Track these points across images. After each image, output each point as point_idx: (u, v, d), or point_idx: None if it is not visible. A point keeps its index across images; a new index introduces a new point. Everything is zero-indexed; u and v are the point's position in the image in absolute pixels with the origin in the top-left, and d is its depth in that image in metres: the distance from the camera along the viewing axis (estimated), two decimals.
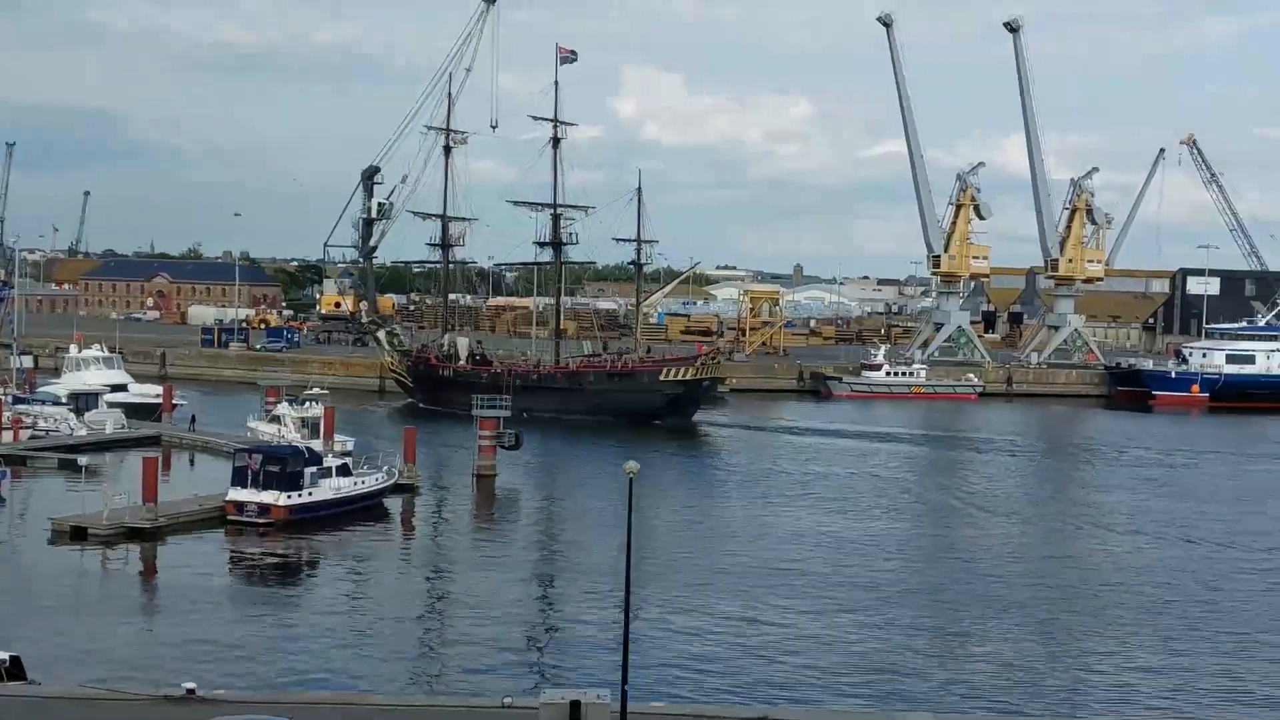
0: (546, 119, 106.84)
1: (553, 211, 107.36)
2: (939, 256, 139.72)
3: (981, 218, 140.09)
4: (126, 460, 70.13)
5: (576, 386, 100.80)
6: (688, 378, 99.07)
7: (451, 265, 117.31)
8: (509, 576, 47.63)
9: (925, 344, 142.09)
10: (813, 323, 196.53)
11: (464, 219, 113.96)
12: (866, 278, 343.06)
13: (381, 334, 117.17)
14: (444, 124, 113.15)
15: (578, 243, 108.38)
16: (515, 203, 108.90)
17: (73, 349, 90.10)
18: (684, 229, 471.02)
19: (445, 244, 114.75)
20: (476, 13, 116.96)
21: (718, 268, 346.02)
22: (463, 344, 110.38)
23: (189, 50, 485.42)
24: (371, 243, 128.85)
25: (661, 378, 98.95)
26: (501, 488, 66.93)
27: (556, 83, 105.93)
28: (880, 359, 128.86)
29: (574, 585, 46.23)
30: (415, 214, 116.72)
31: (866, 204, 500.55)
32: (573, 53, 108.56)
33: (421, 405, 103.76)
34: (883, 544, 55.20)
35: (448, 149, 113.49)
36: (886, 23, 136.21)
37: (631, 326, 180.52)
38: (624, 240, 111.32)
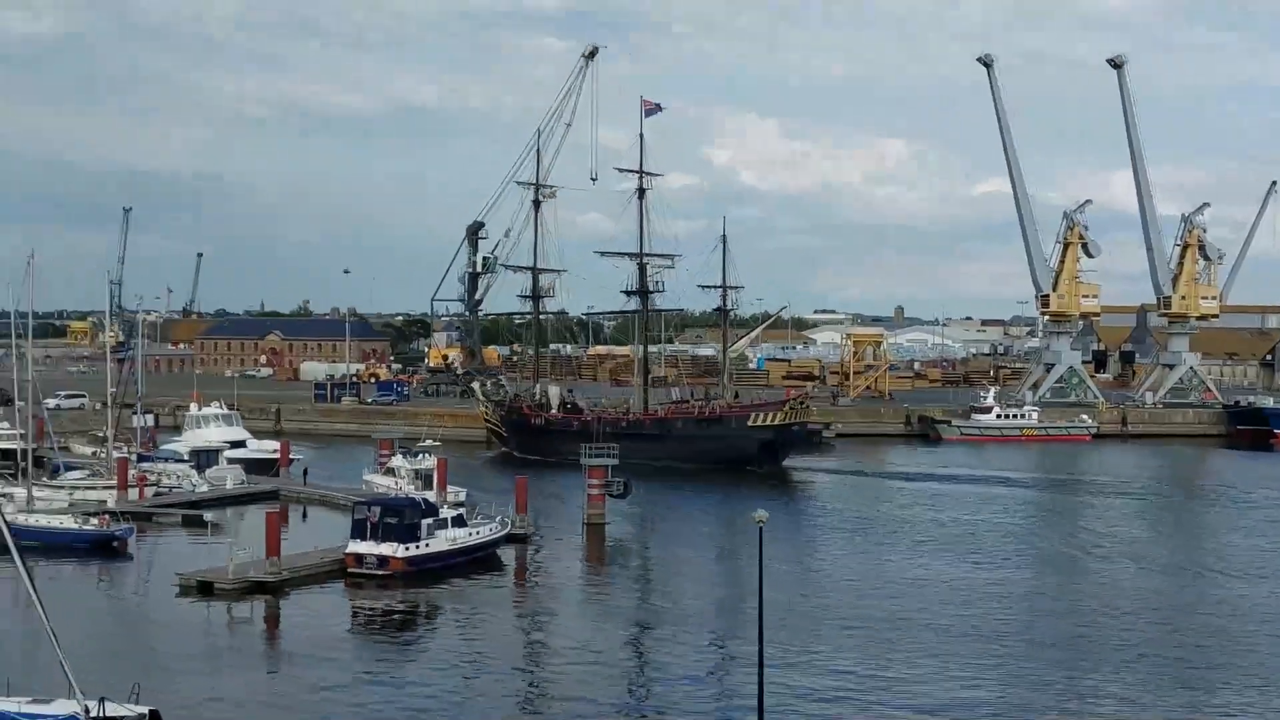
0: (633, 170, 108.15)
1: (638, 261, 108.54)
2: (1048, 296, 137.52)
3: (1090, 255, 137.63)
4: (247, 515, 71.92)
5: (665, 433, 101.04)
6: (777, 422, 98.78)
7: (545, 316, 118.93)
8: (625, 627, 47.54)
9: (1036, 385, 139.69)
10: (916, 365, 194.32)
11: (555, 270, 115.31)
12: (969, 319, 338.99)
13: (476, 385, 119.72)
14: (533, 179, 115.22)
15: (664, 290, 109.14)
16: (603, 254, 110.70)
17: (193, 407, 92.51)
18: (781, 274, 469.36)
19: (536, 295, 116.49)
20: (576, 68, 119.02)
21: (815, 311, 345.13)
22: (554, 393, 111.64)
23: (295, 114, 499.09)
24: (477, 296, 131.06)
25: (750, 423, 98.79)
26: (612, 536, 66.99)
27: (641, 135, 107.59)
28: (990, 401, 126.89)
29: (689, 636, 45.74)
30: (507, 267, 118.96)
31: (966, 245, 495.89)
32: (658, 105, 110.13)
33: (515, 454, 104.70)
34: (1006, 592, 54.04)
35: (537, 203, 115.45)
36: (987, 63, 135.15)
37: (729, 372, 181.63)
38: (708, 287, 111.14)
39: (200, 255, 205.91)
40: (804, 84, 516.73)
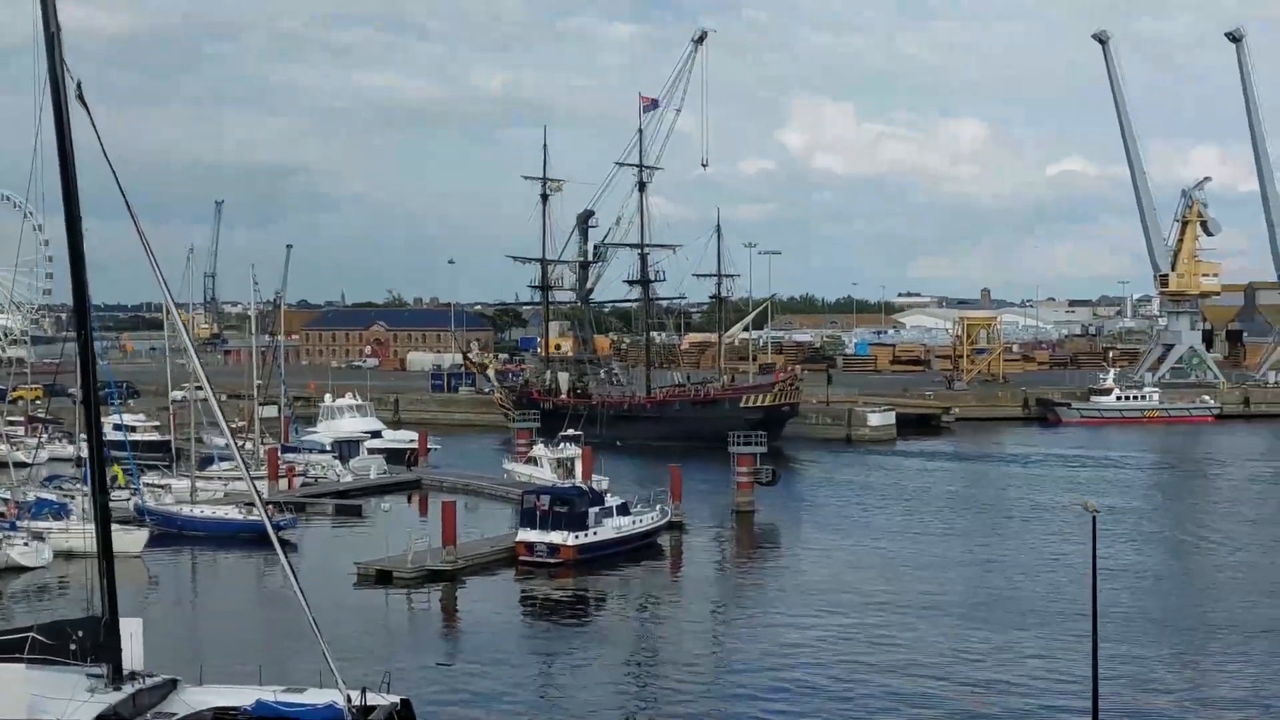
0: (632, 164, 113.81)
1: (640, 251, 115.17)
2: (1166, 275, 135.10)
3: (1210, 234, 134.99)
4: (391, 504, 73.12)
5: (662, 415, 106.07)
6: (768, 403, 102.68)
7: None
8: (789, 614, 47.22)
9: (1154, 366, 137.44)
10: (1014, 348, 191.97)
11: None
12: (1053, 299, 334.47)
13: (490, 371, 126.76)
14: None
15: (665, 279, 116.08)
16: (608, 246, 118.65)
17: (327, 398, 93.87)
18: (860, 258, 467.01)
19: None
20: (686, 52, 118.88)
21: (900, 295, 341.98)
22: (563, 378, 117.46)
23: (377, 107, 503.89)
24: (588, 285, 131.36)
25: (743, 404, 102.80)
26: (761, 524, 67.12)
27: (641, 130, 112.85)
28: (1110, 383, 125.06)
29: (850, 622, 45.50)
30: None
31: (1046, 225, 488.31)
32: (655, 101, 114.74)
33: None
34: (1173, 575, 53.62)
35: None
36: (1103, 40, 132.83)
37: (831, 356, 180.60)
38: (704, 275, 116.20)
39: (290, 247, 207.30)
40: (879, 66, 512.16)
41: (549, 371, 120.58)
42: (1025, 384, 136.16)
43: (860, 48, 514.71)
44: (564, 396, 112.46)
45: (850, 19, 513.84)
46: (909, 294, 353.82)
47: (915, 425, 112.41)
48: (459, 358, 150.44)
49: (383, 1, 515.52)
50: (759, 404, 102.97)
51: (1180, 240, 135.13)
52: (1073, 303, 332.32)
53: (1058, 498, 74.98)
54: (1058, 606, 47.09)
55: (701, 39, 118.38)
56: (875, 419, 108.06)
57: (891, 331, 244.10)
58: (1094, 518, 25.09)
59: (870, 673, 38.93)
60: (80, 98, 27.26)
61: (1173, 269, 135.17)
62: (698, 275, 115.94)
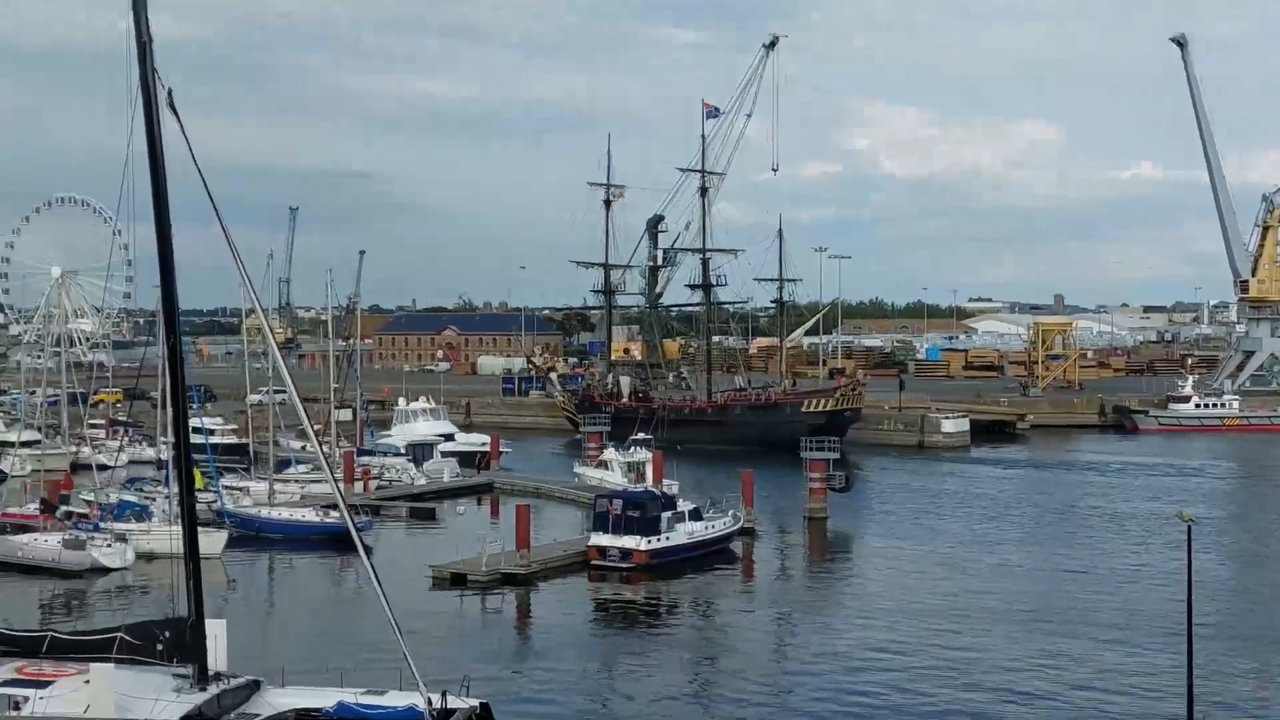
0: (695, 170, 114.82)
1: (702, 256, 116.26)
2: (1246, 281, 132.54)
3: None
4: (463, 507, 73.82)
5: (723, 419, 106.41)
6: (829, 408, 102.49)
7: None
8: (862, 622, 46.81)
9: (1233, 373, 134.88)
10: (1089, 354, 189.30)
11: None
12: (1126, 305, 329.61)
13: (553, 375, 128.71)
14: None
15: (726, 284, 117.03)
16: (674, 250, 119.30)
17: (400, 402, 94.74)
18: (928, 262, 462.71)
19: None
20: (758, 58, 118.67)
21: (970, 300, 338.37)
22: (625, 383, 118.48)
23: (446, 114, 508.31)
24: (657, 289, 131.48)
25: (804, 409, 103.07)
26: (833, 530, 66.71)
27: (703, 135, 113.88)
28: (1189, 390, 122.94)
29: (925, 631, 45.02)
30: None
31: (1119, 229, 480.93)
32: (716, 108, 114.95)
33: None
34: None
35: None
36: (1181, 43, 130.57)
37: (902, 362, 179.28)
38: (765, 280, 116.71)
39: (362, 253, 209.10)
40: (943, 69, 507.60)
41: (611, 375, 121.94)
42: (1101, 391, 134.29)
43: (926, 50, 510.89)
44: (625, 400, 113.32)
45: (915, 21, 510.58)
46: (979, 299, 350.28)
47: (989, 432, 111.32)
48: (539, 362, 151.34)
49: (452, 10, 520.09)
50: (821, 409, 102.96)
51: (1261, 245, 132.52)
52: (1147, 308, 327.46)
53: (1138, 506, 73.94)
54: (1141, 618, 46.40)
55: (773, 44, 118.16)
56: (949, 425, 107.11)
57: (963, 337, 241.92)
58: (1189, 528, 24.46)
59: (945, 683, 38.49)
60: (171, 105, 27.78)
61: (1253, 274, 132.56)
62: (759, 280, 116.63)
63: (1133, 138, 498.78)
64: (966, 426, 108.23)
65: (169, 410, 66.91)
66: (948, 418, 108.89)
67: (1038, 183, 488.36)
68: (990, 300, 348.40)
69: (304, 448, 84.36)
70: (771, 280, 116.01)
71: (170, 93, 27.94)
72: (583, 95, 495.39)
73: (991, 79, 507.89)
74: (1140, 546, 61.79)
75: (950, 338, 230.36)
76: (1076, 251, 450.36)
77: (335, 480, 37.33)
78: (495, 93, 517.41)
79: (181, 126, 27.82)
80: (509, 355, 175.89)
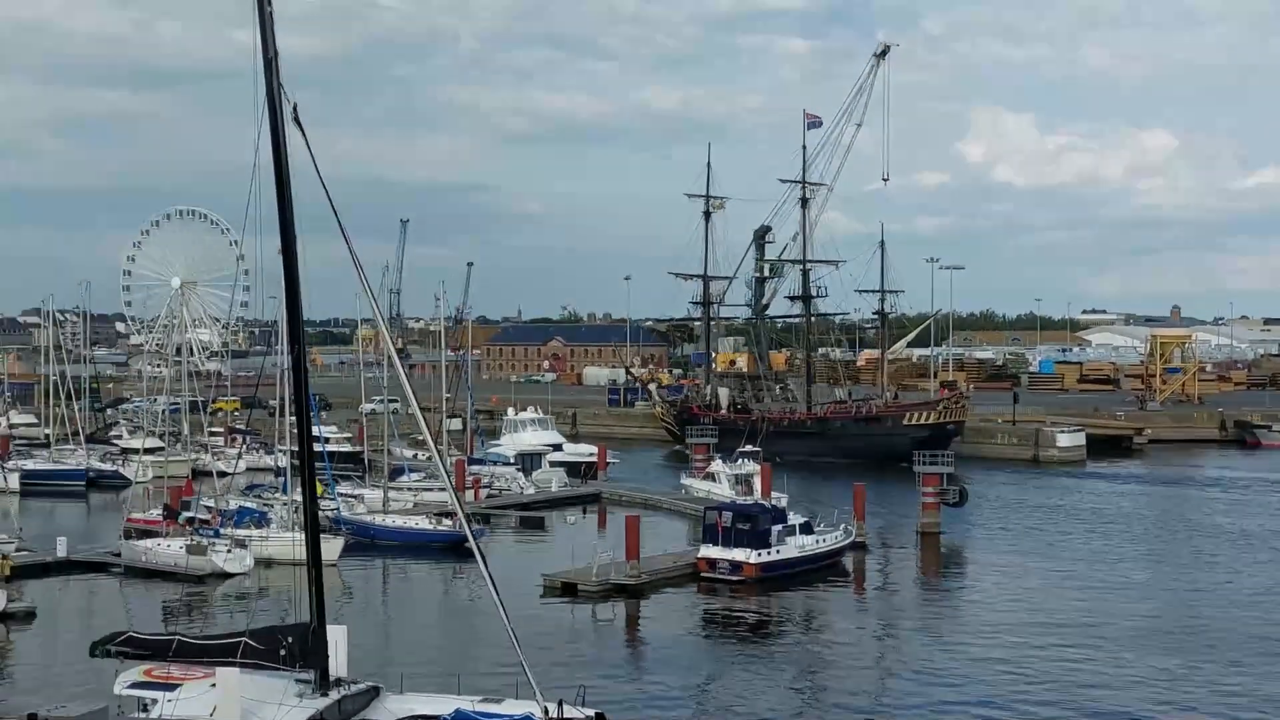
0: (795, 180, 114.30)
1: (802, 268, 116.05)
2: None
3: None
4: (574, 517, 74.10)
5: (824, 431, 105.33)
6: (932, 421, 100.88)
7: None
8: (977, 640, 45.77)
9: None
10: (1208, 367, 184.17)
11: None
12: (1245, 317, 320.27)
13: (652, 387, 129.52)
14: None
15: (827, 295, 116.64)
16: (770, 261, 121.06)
17: (510, 411, 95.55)
18: (1041, 272, 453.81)
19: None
20: (868, 67, 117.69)
21: (1084, 312, 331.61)
22: (723, 394, 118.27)
23: (552, 126, 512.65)
24: (764, 300, 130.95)
25: (906, 422, 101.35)
26: (947, 546, 65.63)
27: (804, 146, 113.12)
28: None
29: (1042, 651, 43.87)
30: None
31: (1238, 239, 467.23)
32: (818, 118, 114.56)
33: (687, 451, 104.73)
34: None
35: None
36: None
37: (1014, 374, 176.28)
38: (866, 291, 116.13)
39: (471, 265, 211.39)
40: (1059, 77, 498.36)
41: (709, 386, 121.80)
42: (1221, 405, 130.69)
43: (1041, 57, 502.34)
44: (724, 412, 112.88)
45: (1030, 28, 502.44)
46: (1093, 310, 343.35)
47: (1106, 446, 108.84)
48: (638, 373, 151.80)
49: (557, 21, 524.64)
50: (923, 421, 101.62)
51: None
52: (1268, 320, 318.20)
53: (1266, 524, 71.70)
54: (1276, 636, 44.90)
55: (884, 53, 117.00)
56: (1064, 439, 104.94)
57: (1077, 349, 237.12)
58: None
59: (1066, 705, 37.48)
60: (296, 119, 28.21)
61: None
62: (860, 291, 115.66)
63: (1259, 145, 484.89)
64: (1082, 440, 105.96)
65: (288, 418, 68.51)
66: (1063, 431, 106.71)
67: (1158, 191, 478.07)
68: (1104, 312, 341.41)
69: (416, 456, 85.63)
70: (873, 292, 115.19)
71: (295, 107, 28.37)
72: (696, 106, 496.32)
73: (1110, 86, 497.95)
74: (1270, 564, 59.84)
75: (1063, 350, 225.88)
76: (1196, 262, 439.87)
77: (453, 489, 37.53)
78: (607, 104, 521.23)
79: (306, 140, 28.22)
80: (614, 366, 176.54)
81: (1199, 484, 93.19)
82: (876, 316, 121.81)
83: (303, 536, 30.06)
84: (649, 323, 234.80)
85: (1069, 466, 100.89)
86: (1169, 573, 58.93)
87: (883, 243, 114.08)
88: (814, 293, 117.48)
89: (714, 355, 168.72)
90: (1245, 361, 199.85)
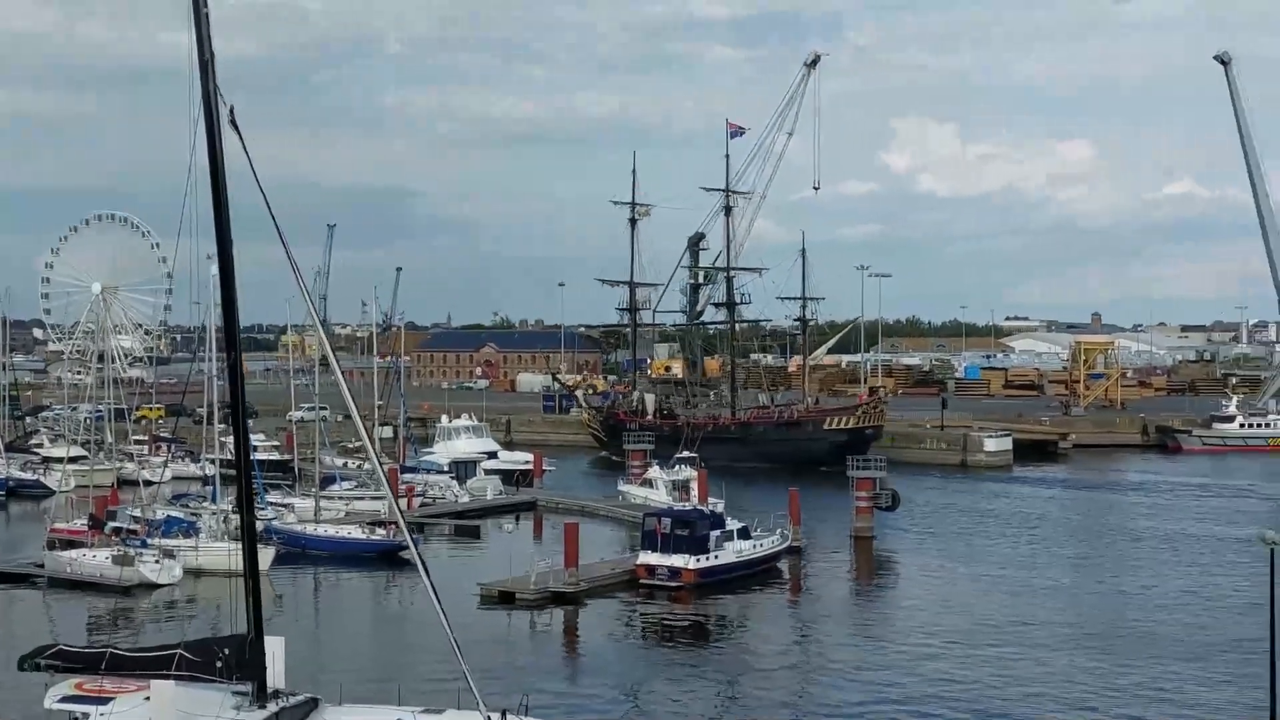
0: (718, 189, 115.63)
1: (726, 275, 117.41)
2: None
3: None
4: (509, 524, 73.62)
5: (747, 436, 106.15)
6: (851, 425, 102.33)
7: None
8: (912, 643, 46.09)
9: (1277, 393, 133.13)
10: (1129, 373, 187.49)
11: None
12: (1164, 324, 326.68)
13: (579, 393, 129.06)
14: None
15: (750, 302, 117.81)
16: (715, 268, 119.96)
17: (443, 419, 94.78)
18: (965, 280, 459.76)
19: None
20: (798, 77, 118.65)
21: (1007, 319, 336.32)
22: (649, 400, 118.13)
23: (480, 131, 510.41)
24: (698, 308, 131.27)
25: (826, 426, 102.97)
26: (880, 550, 66.12)
27: (727, 156, 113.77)
28: (1233, 410, 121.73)
29: (975, 654, 44.34)
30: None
31: (1156, 247, 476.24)
32: (740, 128, 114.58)
33: (614, 458, 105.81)
34: None
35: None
36: (1225, 60, 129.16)
37: (941, 380, 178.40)
38: (788, 298, 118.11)
39: (399, 270, 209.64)
40: (984, 86, 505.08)
41: (636, 392, 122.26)
42: (1143, 410, 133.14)
43: (965, 68, 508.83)
44: (650, 417, 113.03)
45: (954, 40, 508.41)
46: (1015, 317, 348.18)
47: (1031, 451, 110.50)
48: (566, 379, 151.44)
49: (489, 25, 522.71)
50: (842, 426, 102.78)
51: None
52: (1185, 327, 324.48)
53: (1188, 527, 73.13)
54: (1199, 639, 45.72)
55: (814, 62, 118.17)
56: (992, 444, 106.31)
57: (1001, 355, 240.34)
58: (1272, 551, 23.81)
59: (996, 706, 37.88)
60: (233, 122, 27.75)
61: None
62: (781, 298, 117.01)
63: (1174, 156, 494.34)
64: (1009, 445, 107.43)
65: (215, 426, 67.47)
66: (990, 436, 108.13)
67: (1078, 201, 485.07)
68: (1027, 319, 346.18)
69: (346, 464, 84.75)
70: (794, 299, 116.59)
71: (232, 109, 27.93)
72: (626, 113, 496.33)
73: (1033, 97, 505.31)
74: (1193, 567, 61.05)
75: (988, 356, 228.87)
76: (1115, 270, 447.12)
77: (394, 498, 37.14)
78: (538, 110, 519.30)
79: (244, 143, 27.78)
80: (547, 372, 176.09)
81: (1123, 488, 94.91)
82: (796, 323, 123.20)
83: (234, 546, 29.58)
84: (582, 329, 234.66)
85: (996, 471, 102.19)
86: (1094, 575, 59.86)
87: (804, 250, 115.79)
88: (738, 299, 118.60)
89: (649, 361, 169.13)
90: (1164, 368, 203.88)
